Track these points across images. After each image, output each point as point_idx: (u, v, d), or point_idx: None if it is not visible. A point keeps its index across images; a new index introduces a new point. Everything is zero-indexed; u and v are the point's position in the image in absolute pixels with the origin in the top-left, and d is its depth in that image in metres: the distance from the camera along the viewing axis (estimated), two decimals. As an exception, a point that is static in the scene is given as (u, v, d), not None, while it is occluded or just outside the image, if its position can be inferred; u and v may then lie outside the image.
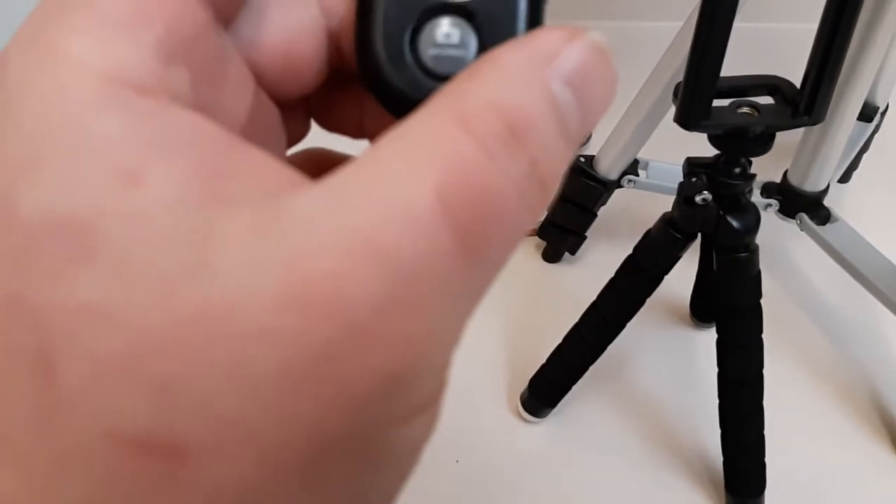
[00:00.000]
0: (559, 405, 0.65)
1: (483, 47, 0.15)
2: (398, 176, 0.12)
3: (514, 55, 0.14)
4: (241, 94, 0.16)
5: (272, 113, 0.18)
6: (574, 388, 0.64)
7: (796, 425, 0.65)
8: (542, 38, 0.14)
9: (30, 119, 0.12)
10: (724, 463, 0.59)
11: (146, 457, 0.11)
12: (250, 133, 0.16)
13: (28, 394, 0.11)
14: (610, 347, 0.61)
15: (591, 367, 0.62)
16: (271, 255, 0.12)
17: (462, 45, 0.16)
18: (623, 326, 0.59)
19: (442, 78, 0.15)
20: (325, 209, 0.12)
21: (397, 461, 0.14)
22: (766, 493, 0.59)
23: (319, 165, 0.19)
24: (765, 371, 0.56)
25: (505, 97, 0.13)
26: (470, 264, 0.12)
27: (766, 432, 0.57)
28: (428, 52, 0.16)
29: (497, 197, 0.13)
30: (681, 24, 0.61)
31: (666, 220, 0.54)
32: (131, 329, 0.11)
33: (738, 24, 0.42)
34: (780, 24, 1.00)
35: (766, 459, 0.58)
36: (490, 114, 0.13)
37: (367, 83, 0.16)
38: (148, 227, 0.12)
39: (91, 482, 0.11)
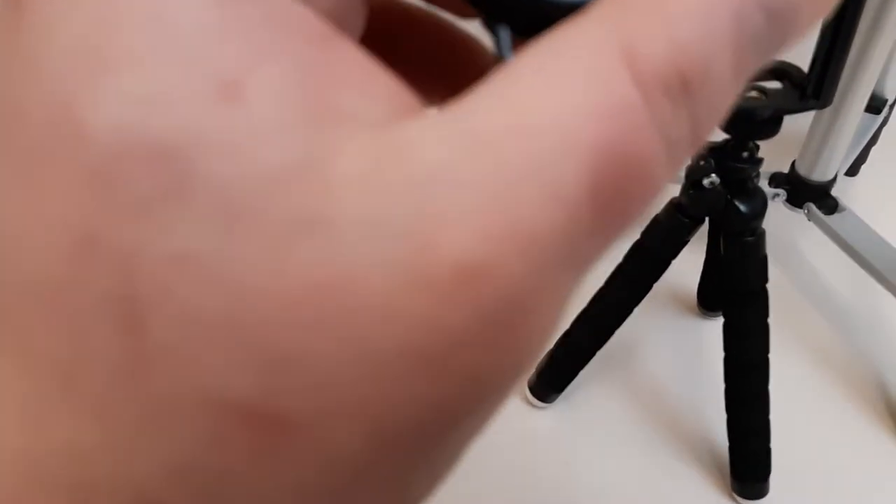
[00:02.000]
0: (566, 391, 0.65)
1: None
2: (545, 132, 0.11)
3: None
4: None
5: (357, 4, 0.14)
6: (581, 374, 0.64)
7: (802, 413, 0.65)
8: None
9: None
10: (730, 448, 0.60)
11: (247, 426, 0.10)
12: (335, 16, 0.13)
13: (111, 343, 0.10)
14: (617, 336, 0.61)
15: (599, 355, 0.63)
16: (399, 214, 0.10)
17: None
18: (630, 311, 0.60)
19: None
20: (460, 163, 0.10)
21: (491, 413, 0.13)
22: (771, 478, 0.60)
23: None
24: (772, 360, 0.56)
25: (688, 31, 0.11)
26: (601, 242, 0.11)
27: (772, 419, 0.58)
28: None
29: (647, 167, 0.11)
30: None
31: (674, 204, 0.55)
32: (238, 290, 0.10)
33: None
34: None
35: (772, 446, 0.59)
36: (664, 54, 0.11)
37: None
38: (252, 159, 0.10)
39: (182, 445, 0.10)
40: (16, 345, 0.11)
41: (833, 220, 0.67)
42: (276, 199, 0.10)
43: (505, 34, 0.14)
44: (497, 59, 0.14)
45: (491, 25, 0.13)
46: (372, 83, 0.11)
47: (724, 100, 0.12)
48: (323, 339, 0.10)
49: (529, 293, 0.11)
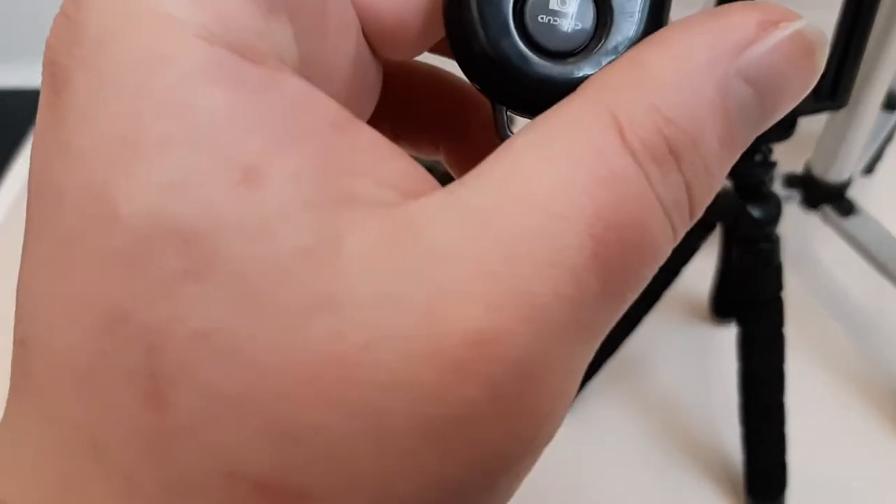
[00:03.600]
0: (574, 404, 0.63)
1: (600, 15, 0.13)
2: (545, 203, 0.11)
3: (692, 40, 0.12)
4: (343, 42, 0.14)
5: (373, 70, 0.15)
6: (590, 387, 0.62)
7: (819, 425, 0.63)
8: (732, 20, 0.12)
9: (122, 87, 0.11)
10: (745, 462, 0.58)
11: (264, 499, 0.11)
12: (352, 98, 0.14)
13: (137, 417, 0.11)
14: (626, 345, 0.60)
15: (608, 367, 0.61)
16: (407, 290, 0.11)
17: (578, 14, 0.13)
18: (639, 321, 0.58)
19: (551, 54, 0.13)
20: (464, 238, 0.11)
21: (509, 492, 0.13)
22: (787, 494, 0.58)
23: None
24: (787, 369, 0.55)
25: (671, 102, 0.11)
26: (609, 309, 0.12)
27: (788, 432, 0.56)
28: (535, 21, 0.13)
29: (648, 230, 0.11)
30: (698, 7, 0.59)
31: (683, 211, 0.53)
32: (254, 366, 0.10)
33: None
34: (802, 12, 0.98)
35: (788, 460, 0.57)
36: (650, 123, 0.11)
37: (455, 51, 0.14)
38: (269, 241, 0.10)
39: None
40: (50, 414, 0.11)
41: (849, 222, 0.65)
42: (290, 278, 0.10)
43: (504, 113, 0.14)
44: (500, 137, 0.14)
45: (492, 105, 0.14)
46: (385, 166, 0.12)
47: (718, 167, 0.12)
48: (335, 413, 0.10)
49: (538, 361, 0.11)
